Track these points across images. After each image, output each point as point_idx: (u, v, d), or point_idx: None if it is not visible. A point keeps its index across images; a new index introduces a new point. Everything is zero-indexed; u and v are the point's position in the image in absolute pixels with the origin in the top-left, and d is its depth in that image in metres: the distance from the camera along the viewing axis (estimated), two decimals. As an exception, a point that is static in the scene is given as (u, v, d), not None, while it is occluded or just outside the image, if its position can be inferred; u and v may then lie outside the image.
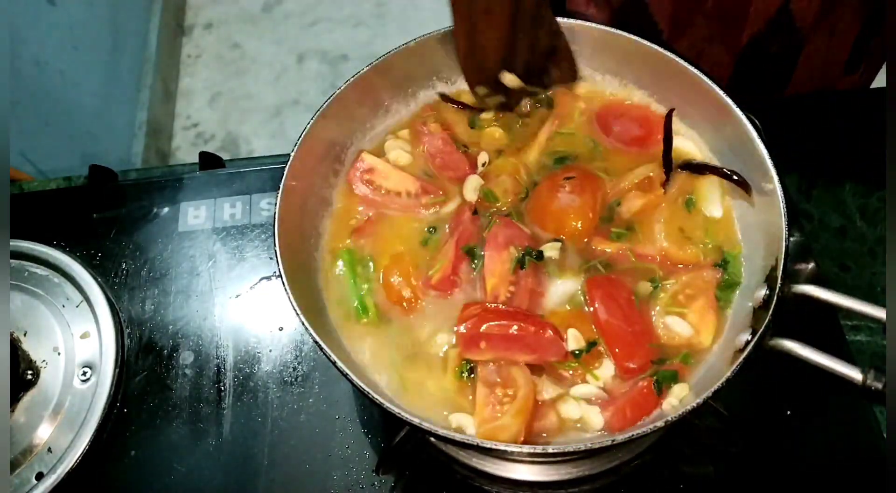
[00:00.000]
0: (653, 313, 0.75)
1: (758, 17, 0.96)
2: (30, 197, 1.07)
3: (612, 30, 0.84)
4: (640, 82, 0.87)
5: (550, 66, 0.88)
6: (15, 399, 0.87)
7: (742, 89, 1.05)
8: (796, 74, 1.06)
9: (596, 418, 0.69)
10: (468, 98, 0.90)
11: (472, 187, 0.82)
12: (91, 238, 1.00)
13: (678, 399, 0.69)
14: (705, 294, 0.75)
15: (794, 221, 0.86)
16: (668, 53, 0.81)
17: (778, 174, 0.72)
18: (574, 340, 0.72)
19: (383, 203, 0.83)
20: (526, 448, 0.64)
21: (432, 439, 0.82)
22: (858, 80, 1.09)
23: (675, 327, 0.73)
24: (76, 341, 0.91)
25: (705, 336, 0.73)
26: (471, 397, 0.71)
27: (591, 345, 0.72)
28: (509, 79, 0.87)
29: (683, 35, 1.01)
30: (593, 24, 0.85)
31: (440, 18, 0.84)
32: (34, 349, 0.91)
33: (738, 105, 0.77)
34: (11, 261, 0.97)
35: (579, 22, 0.85)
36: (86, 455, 0.83)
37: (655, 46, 0.82)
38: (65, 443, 0.84)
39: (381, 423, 0.84)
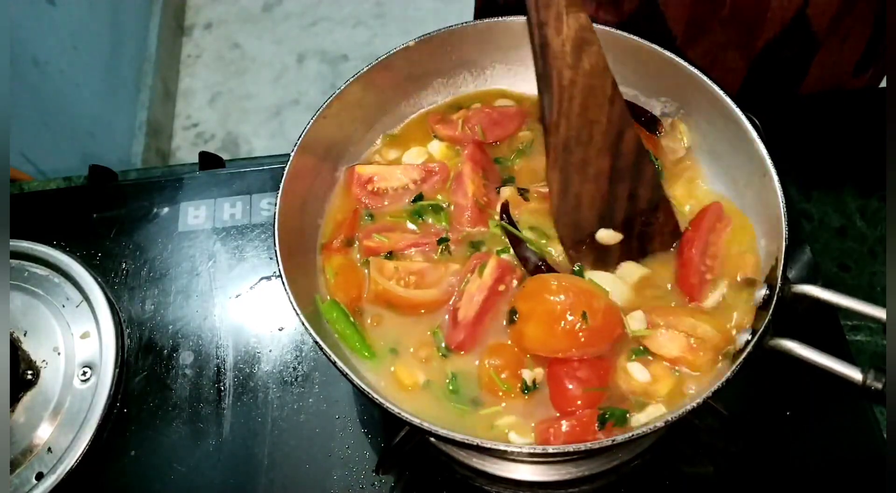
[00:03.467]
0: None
1: (774, 22, 0.95)
2: (30, 197, 1.07)
3: (612, 30, 0.83)
4: (639, 82, 0.87)
5: (651, 230, 0.79)
6: (15, 399, 0.87)
7: (753, 93, 1.05)
8: (807, 78, 1.05)
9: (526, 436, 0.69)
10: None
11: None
12: (91, 238, 1.00)
13: (648, 418, 0.68)
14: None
15: (793, 221, 0.86)
16: (669, 53, 0.81)
17: (778, 174, 0.72)
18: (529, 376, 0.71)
19: (394, 204, 0.84)
20: (526, 448, 0.64)
21: (432, 439, 0.82)
22: (866, 82, 1.08)
23: (634, 373, 0.71)
24: (76, 341, 0.91)
25: (662, 387, 0.71)
26: None
27: (532, 388, 0.71)
28: (605, 236, 0.78)
29: (698, 41, 1.00)
30: (596, 26, 0.84)
31: (440, 18, 0.84)
32: (34, 349, 0.91)
33: (739, 105, 0.77)
34: (11, 261, 0.97)
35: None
36: (86, 455, 0.83)
37: (655, 46, 0.81)
38: (65, 443, 0.84)
39: (381, 423, 0.84)
